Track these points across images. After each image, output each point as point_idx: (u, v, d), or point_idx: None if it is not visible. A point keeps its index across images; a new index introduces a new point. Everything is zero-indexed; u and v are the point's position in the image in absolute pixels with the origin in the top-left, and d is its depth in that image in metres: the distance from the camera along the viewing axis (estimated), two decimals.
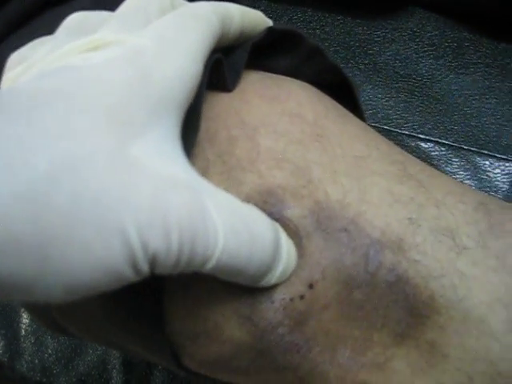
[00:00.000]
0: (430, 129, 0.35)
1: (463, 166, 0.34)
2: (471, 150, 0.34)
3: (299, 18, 0.38)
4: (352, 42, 0.37)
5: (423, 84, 0.36)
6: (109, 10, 0.21)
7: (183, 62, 0.19)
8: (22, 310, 0.39)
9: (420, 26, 0.37)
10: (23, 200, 0.14)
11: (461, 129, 0.35)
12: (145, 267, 0.16)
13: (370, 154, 0.23)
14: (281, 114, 0.23)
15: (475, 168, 0.34)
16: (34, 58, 0.20)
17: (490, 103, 0.35)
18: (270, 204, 0.21)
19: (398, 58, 0.37)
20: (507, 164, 0.34)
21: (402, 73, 0.37)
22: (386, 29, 0.38)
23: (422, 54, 0.37)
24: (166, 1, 0.21)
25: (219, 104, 0.23)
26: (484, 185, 0.34)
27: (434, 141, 0.35)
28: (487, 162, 0.34)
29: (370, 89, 0.36)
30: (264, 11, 0.26)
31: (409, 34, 0.37)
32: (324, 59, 0.25)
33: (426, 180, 0.23)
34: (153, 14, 0.20)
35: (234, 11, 0.22)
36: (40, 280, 0.15)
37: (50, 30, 0.21)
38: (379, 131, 0.34)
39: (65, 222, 0.15)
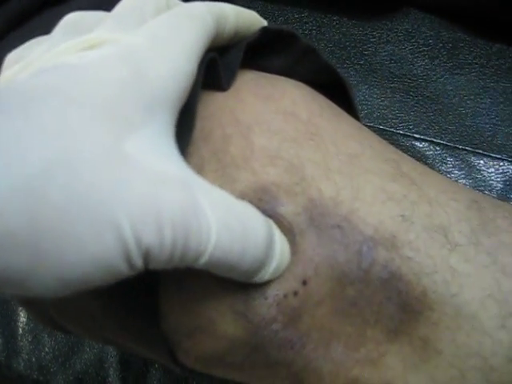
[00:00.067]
0: (424, 128, 0.35)
1: (458, 165, 0.34)
2: (466, 150, 0.35)
3: (295, 18, 0.38)
4: (348, 43, 0.38)
5: (418, 84, 0.36)
6: (105, 10, 0.22)
7: (177, 61, 0.19)
8: (20, 308, 0.39)
9: (415, 26, 0.38)
10: (18, 194, 0.15)
11: (455, 128, 0.35)
12: (138, 262, 0.16)
13: (363, 152, 0.23)
14: (275, 112, 0.23)
15: (470, 167, 0.34)
16: (30, 57, 0.20)
17: (484, 103, 0.35)
18: (263, 201, 0.21)
19: (393, 58, 0.37)
20: (501, 163, 0.34)
21: (397, 73, 0.37)
22: (382, 29, 0.38)
23: (417, 55, 0.37)
24: (161, 1, 0.21)
25: (214, 103, 0.23)
26: (478, 184, 0.34)
27: (429, 140, 0.35)
28: (482, 162, 0.34)
29: (366, 89, 0.36)
30: (260, 12, 0.26)
31: (404, 34, 0.38)
32: (318, 59, 0.25)
33: (419, 178, 0.23)
34: (148, 13, 0.20)
35: (228, 11, 0.22)
36: (34, 273, 0.15)
37: (47, 29, 0.21)
38: (374, 131, 0.34)
39: (59, 217, 0.15)
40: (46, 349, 0.38)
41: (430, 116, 0.35)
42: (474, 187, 0.34)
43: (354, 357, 0.21)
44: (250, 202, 0.20)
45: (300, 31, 0.38)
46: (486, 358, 0.20)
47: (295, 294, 0.21)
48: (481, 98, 0.36)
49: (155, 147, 0.18)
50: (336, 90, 0.26)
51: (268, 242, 0.19)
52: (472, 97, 0.36)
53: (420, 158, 0.35)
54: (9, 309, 0.39)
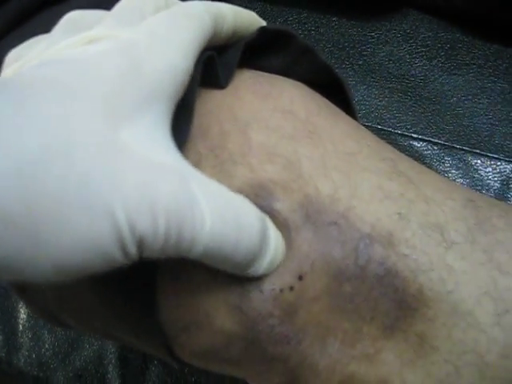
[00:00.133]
0: (422, 128, 0.35)
1: (455, 164, 0.35)
2: (463, 150, 0.35)
3: (294, 19, 0.38)
4: (346, 43, 0.38)
5: (416, 84, 0.37)
6: (105, 9, 0.22)
7: (174, 57, 0.19)
8: (20, 305, 0.39)
9: (413, 27, 0.38)
10: (13, 179, 0.15)
11: (453, 128, 0.35)
12: (133, 249, 0.17)
13: (360, 151, 0.23)
14: (273, 110, 0.23)
15: (467, 167, 0.35)
16: (30, 55, 0.20)
17: (482, 103, 0.36)
18: (260, 197, 0.21)
19: (391, 58, 0.37)
20: (499, 163, 0.34)
21: (395, 73, 0.37)
22: (380, 30, 0.38)
23: (415, 55, 0.37)
24: (160, 0, 0.22)
25: (212, 100, 0.23)
26: (476, 183, 0.34)
27: (427, 140, 0.35)
28: (479, 161, 0.35)
29: (364, 89, 0.37)
30: (259, 12, 0.27)
31: (402, 35, 0.38)
32: (316, 59, 0.25)
33: (416, 177, 0.23)
34: (148, 12, 0.21)
35: (226, 11, 0.22)
36: (31, 259, 0.16)
37: (47, 28, 0.21)
38: (373, 130, 0.35)
39: (55, 203, 0.15)
40: (46, 345, 0.38)
41: (427, 116, 0.36)
42: (471, 186, 0.34)
43: (351, 353, 0.21)
44: (247, 197, 0.21)
45: (299, 32, 0.38)
46: (481, 355, 0.21)
47: (291, 288, 0.21)
48: (478, 99, 0.36)
49: (151, 138, 0.18)
50: (334, 90, 0.26)
51: (261, 235, 0.19)
52: (470, 97, 0.36)
53: (418, 157, 0.35)
54: (9, 306, 0.39)
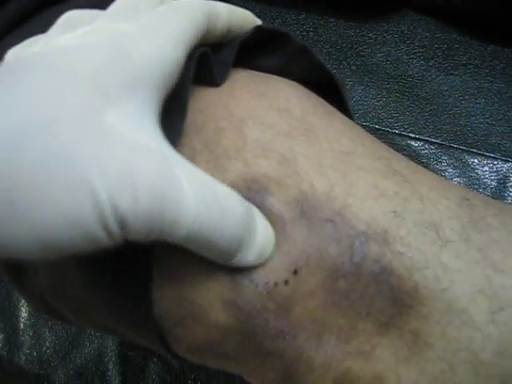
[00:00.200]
0: (420, 128, 0.35)
1: (452, 163, 0.35)
2: (460, 149, 0.35)
3: (293, 20, 0.39)
4: (344, 44, 0.38)
5: (414, 85, 0.37)
6: (103, 9, 0.22)
7: (162, 46, 0.19)
8: (21, 304, 0.39)
9: (411, 28, 0.38)
10: None
11: (450, 128, 0.35)
12: (115, 229, 0.17)
13: (355, 150, 0.23)
14: (268, 108, 0.23)
15: (464, 166, 0.35)
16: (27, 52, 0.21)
17: (478, 103, 0.36)
18: (253, 190, 0.21)
19: (389, 59, 0.38)
20: (495, 162, 0.35)
21: (393, 74, 0.37)
22: (378, 31, 0.38)
23: (412, 56, 0.38)
24: None
25: (207, 97, 0.23)
26: (473, 182, 0.34)
27: (424, 139, 0.35)
28: (476, 160, 0.35)
29: (362, 89, 0.37)
30: (258, 14, 0.27)
31: (400, 36, 0.38)
32: (312, 58, 0.26)
33: (411, 176, 0.23)
34: (142, 8, 0.21)
35: (220, 9, 0.23)
36: (13, 233, 0.16)
37: (47, 28, 0.21)
38: (370, 130, 0.35)
39: (33, 176, 0.15)
40: (47, 344, 0.38)
41: (425, 116, 0.36)
42: (468, 185, 0.34)
43: (346, 349, 0.21)
44: (240, 191, 0.21)
45: (297, 33, 0.38)
46: (475, 353, 0.21)
47: (286, 282, 0.21)
48: (475, 98, 0.36)
49: (136, 122, 0.18)
50: (329, 89, 0.26)
51: (245, 220, 0.19)
52: (467, 97, 0.36)
53: (415, 156, 0.35)
54: (10, 304, 0.40)
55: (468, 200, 0.23)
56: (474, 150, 0.35)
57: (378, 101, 0.36)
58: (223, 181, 0.21)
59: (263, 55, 0.26)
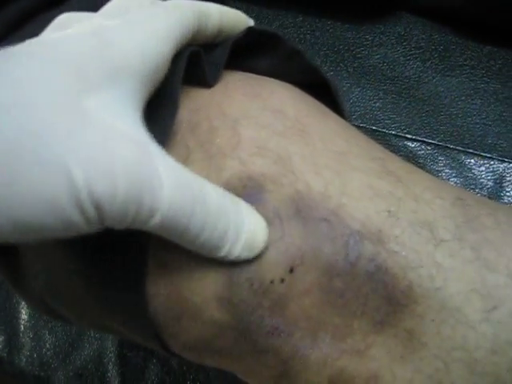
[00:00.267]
0: (416, 129, 0.36)
1: (449, 164, 0.35)
2: (457, 149, 0.35)
3: (290, 23, 0.39)
4: (341, 46, 0.38)
5: (410, 86, 0.37)
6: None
7: (146, 40, 0.19)
8: (22, 306, 0.40)
9: (407, 29, 0.38)
10: None
11: (447, 129, 0.36)
12: (92, 213, 0.17)
13: (350, 151, 0.23)
14: (262, 108, 0.23)
15: (461, 166, 0.35)
16: None
17: (475, 104, 0.36)
18: (249, 187, 0.21)
19: (385, 61, 0.38)
20: (492, 162, 0.35)
21: (389, 75, 0.37)
22: (374, 33, 0.38)
23: (409, 57, 0.38)
24: (145, 0, 0.22)
25: (201, 97, 0.24)
26: (469, 182, 0.34)
27: (421, 140, 0.35)
28: (472, 161, 0.35)
29: (359, 91, 0.37)
30: (255, 16, 0.27)
31: (396, 37, 0.38)
32: (304, 60, 0.26)
33: (405, 176, 0.23)
34: (133, 8, 0.21)
35: (211, 9, 0.23)
36: None
37: (41, 32, 0.22)
38: (367, 131, 0.35)
39: (9, 151, 0.15)
40: (47, 345, 0.39)
41: (421, 117, 0.36)
42: (464, 186, 0.34)
43: (341, 347, 0.21)
44: (235, 189, 0.21)
45: (294, 35, 0.38)
46: (470, 351, 0.21)
47: (282, 280, 0.21)
48: (472, 99, 0.36)
49: (115, 110, 0.18)
50: (324, 91, 0.26)
51: (224, 209, 0.19)
52: (463, 98, 0.36)
53: (412, 157, 0.35)
54: (11, 306, 0.40)
55: (462, 200, 0.23)
56: (471, 151, 0.35)
57: (374, 102, 0.37)
58: (218, 180, 0.21)
59: (256, 56, 0.26)
